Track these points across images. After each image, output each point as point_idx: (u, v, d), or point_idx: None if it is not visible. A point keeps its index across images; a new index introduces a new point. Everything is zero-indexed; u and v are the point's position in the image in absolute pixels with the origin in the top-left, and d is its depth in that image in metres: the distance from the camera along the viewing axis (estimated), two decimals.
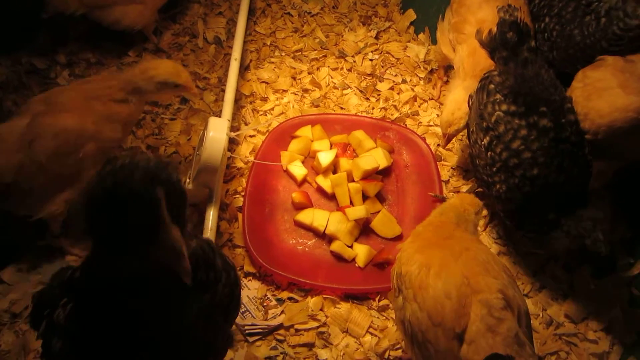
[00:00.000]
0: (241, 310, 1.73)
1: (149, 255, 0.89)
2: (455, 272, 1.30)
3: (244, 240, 1.83)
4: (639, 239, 1.84)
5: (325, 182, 1.98)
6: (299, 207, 1.95)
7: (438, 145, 2.18)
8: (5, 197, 1.63)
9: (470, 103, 1.83)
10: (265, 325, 1.73)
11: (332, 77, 2.37)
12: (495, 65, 1.77)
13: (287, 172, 2.03)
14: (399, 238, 1.90)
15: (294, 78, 2.36)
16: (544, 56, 1.87)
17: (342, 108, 2.28)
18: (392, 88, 2.35)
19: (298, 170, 2.01)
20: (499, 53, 1.73)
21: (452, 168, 2.13)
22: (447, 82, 2.33)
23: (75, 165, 1.66)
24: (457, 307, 1.25)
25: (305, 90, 2.32)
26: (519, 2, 1.90)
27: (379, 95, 2.33)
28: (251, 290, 1.80)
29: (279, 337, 1.72)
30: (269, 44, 2.46)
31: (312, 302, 1.79)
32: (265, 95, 2.29)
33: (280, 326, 1.74)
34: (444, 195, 1.98)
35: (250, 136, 2.17)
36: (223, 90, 2.12)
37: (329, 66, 2.39)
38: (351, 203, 1.94)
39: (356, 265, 1.85)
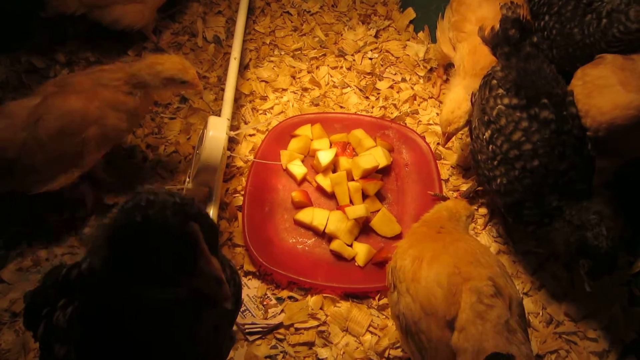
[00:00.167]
0: (241, 309, 1.73)
1: (188, 285, 0.92)
2: (446, 261, 1.33)
3: (244, 239, 1.83)
4: (639, 238, 1.84)
5: (325, 181, 1.98)
6: (299, 206, 1.95)
7: (438, 144, 2.18)
8: (9, 173, 1.67)
9: (473, 100, 1.83)
10: (265, 324, 1.73)
11: (331, 76, 2.36)
12: (497, 62, 1.77)
13: (286, 171, 2.03)
14: (398, 237, 1.90)
15: (293, 77, 2.36)
16: (543, 54, 1.87)
17: (341, 107, 2.27)
18: (391, 87, 2.35)
19: (298, 169, 2.01)
20: (501, 49, 1.73)
21: (451, 167, 2.13)
22: (446, 81, 2.33)
23: (77, 147, 1.69)
24: (448, 295, 1.27)
25: (305, 89, 2.32)
26: (519, 0, 1.89)
27: (379, 94, 2.33)
28: (251, 289, 1.80)
29: (279, 336, 1.72)
30: (268, 42, 2.46)
31: (312, 301, 1.79)
32: (265, 94, 2.29)
33: (280, 325, 1.74)
34: (444, 194, 1.98)
35: (250, 135, 2.17)
36: (222, 89, 2.12)
37: (328, 65, 2.39)
38: (351, 202, 1.94)
39: (356, 264, 1.85)
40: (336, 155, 2.00)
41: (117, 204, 1.95)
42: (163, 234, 0.88)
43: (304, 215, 1.91)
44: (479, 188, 2.00)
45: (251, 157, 2.03)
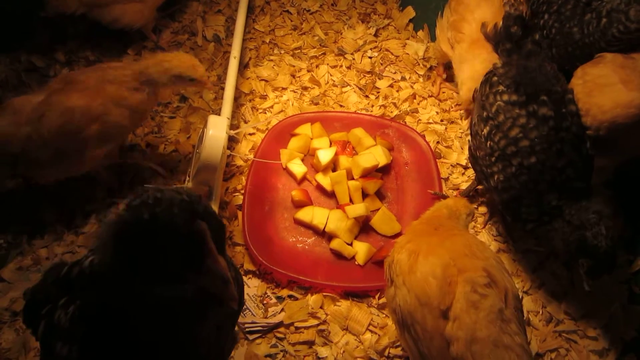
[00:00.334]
0: None
1: (194, 283, 0.92)
2: (441, 254, 1.34)
3: (244, 238, 1.83)
4: (639, 237, 1.84)
5: (324, 180, 1.98)
6: (299, 205, 1.95)
7: (438, 142, 2.18)
8: (14, 164, 1.72)
9: (475, 96, 1.83)
10: (265, 323, 1.73)
11: (331, 75, 2.36)
12: (499, 58, 1.77)
13: (286, 170, 2.03)
14: (398, 235, 1.90)
15: (293, 76, 2.36)
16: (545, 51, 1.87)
17: (341, 106, 2.27)
18: (391, 85, 2.35)
19: (298, 168, 2.01)
20: (503, 46, 1.73)
21: (451, 165, 2.13)
22: (446, 79, 2.33)
23: (79, 144, 1.71)
24: (443, 285, 1.28)
25: (305, 88, 2.32)
26: None
27: (379, 92, 2.32)
28: (251, 288, 1.80)
29: (279, 335, 1.73)
30: (268, 41, 2.46)
31: (312, 299, 1.79)
32: (265, 93, 2.29)
33: (280, 324, 1.74)
34: (444, 193, 1.98)
35: (250, 134, 2.17)
36: (222, 89, 2.11)
37: (328, 64, 2.39)
38: (351, 201, 1.94)
39: (356, 262, 1.86)
40: (336, 154, 2.00)
41: (115, 202, 1.96)
42: (170, 231, 0.88)
43: (304, 214, 1.91)
44: (479, 187, 2.00)
45: (251, 156, 2.03)
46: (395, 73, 2.39)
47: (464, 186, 2.06)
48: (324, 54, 2.43)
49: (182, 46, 2.42)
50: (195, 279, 0.91)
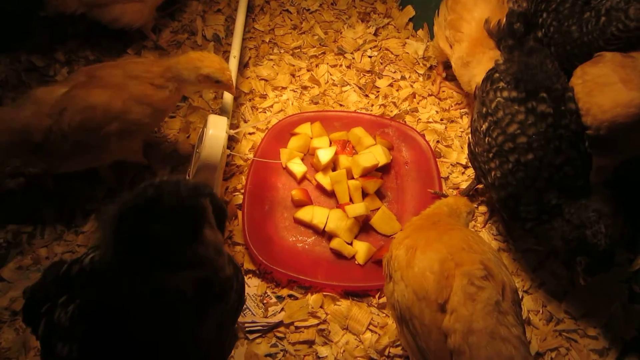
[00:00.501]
0: None
1: (193, 259, 0.94)
2: (439, 248, 1.35)
3: (244, 238, 1.83)
4: (639, 236, 1.84)
5: (324, 180, 1.98)
6: (299, 205, 1.95)
7: (437, 141, 2.17)
8: (35, 154, 1.73)
9: (476, 93, 1.83)
10: (265, 322, 1.73)
11: (331, 74, 2.36)
12: (500, 55, 1.77)
13: (286, 169, 2.03)
14: None
15: (293, 75, 2.35)
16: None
17: (341, 105, 2.27)
18: (391, 85, 2.35)
19: (297, 167, 2.01)
20: (505, 42, 1.74)
21: (451, 165, 2.13)
22: (446, 78, 2.33)
23: (99, 139, 1.72)
24: (440, 279, 1.29)
25: (305, 88, 2.31)
26: None
27: (378, 92, 2.32)
28: (251, 287, 1.80)
29: (279, 335, 1.73)
30: (267, 41, 2.46)
31: (312, 299, 1.79)
32: (265, 93, 2.29)
33: (280, 323, 1.74)
34: (444, 192, 1.98)
35: (250, 134, 2.17)
36: None
37: (327, 63, 2.39)
38: (351, 200, 1.94)
39: (356, 262, 1.85)
40: (336, 153, 2.00)
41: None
42: (174, 204, 0.91)
43: (304, 214, 1.91)
44: (479, 186, 2.00)
45: (251, 156, 2.03)
46: (395, 72, 2.39)
47: (464, 185, 2.06)
48: (324, 53, 2.43)
49: (181, 45, 2.41)
50: (194, 256, 0.94)
